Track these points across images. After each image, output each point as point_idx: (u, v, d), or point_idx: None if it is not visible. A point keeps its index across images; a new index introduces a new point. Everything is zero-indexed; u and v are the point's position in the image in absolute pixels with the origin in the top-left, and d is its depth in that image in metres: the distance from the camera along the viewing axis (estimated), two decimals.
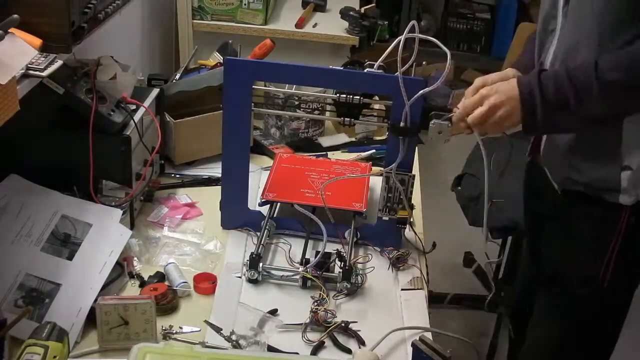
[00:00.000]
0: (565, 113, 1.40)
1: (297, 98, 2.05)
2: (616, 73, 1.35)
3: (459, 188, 2.61)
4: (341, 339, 1.48)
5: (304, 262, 1.63)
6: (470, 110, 1.47)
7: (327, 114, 1.93)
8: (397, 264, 1.72)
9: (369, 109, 1.77)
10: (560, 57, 1.48)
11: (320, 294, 1.57)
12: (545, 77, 1.41)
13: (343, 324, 1.49)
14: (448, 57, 1.53)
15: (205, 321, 1.48)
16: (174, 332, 1.45)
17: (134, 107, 1.73)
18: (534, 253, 1.84)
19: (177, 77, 2.16)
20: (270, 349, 1.42)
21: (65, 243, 1.53)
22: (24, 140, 1.61)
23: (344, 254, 1.64)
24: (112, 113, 1.63)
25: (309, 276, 1.60)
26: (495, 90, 1.45)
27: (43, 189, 1.60)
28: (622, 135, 1.46)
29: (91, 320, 1.42)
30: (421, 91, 1.54)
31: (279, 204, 1.83)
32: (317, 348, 1.45)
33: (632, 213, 1.51)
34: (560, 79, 1.40)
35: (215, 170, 2.00)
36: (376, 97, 1.69)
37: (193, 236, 1.77)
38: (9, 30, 1.22)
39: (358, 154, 2.22)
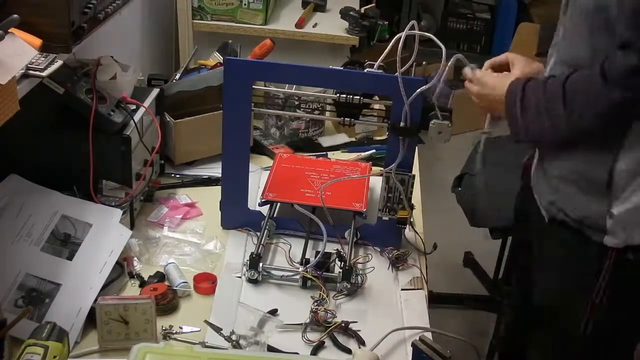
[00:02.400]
0: (542, 124, 1.40)
1: (297, 98, 2.05)
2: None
3: (459, 189, 2.61)
4: (341, 339, 1.48)
5: (304, 262, 1.63)
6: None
7: (327, 114, 1.93)
8: (397, 264, 1.72)
9: (369, 109, 1.77)
10: (559, 69, 1.46)
11: (320, 294, 1.57)
12: (529, 87, 1.42)
13: (343, 324, 1.49)
14: (443, 53, 1.52)
15: (205, 321, 1.48)
16: (174, 332, 1.45)
17: (134, 107, 1.73)
18: (521, 285, 1.81)
19: (177, 77, 2.16)
20: (270, 349, 1.42)
21: (65, 243, 1.53)
22: (24, 140, 1.61)
23: (344, 254, 1.64)
24: (112, 113, 1.63)
25: (309, 276, 1.60)
26: (488, 92, 1.51)
27: (43, 189, 1.60)
28: (613, 175, 1.40)
29: (91, 320, 1.42)
30: (419, 89, 1.54)
31: (279, 204, 1.83)
32: (317, 348, 1.45)
33: (617, 258, 1.44)
34: (538, 90, 1.39)
35: (215, 170, 1.99)
36: (376, 97, 1.69)
37: (193, 236, 1.77)
38: (9, 30, 1.22)
39: (358, 154, 2.22)
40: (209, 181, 2.01)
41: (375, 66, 1.63)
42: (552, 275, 1.62)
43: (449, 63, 1.55)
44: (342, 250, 1.66)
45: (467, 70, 1.60)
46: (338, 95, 1.65)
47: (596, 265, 1.46)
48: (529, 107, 1.42)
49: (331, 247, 1.68)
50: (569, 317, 1.56)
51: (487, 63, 1.61)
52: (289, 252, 1.67)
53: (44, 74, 1.34)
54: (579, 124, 1.36)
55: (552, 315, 1.63)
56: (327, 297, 1.56)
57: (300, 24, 2.74)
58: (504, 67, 1.59)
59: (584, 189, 1.45)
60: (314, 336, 1.47)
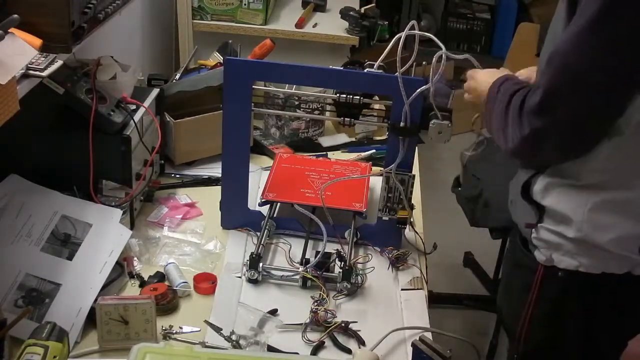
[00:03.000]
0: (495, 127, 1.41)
1: (297, 98, 2.05)
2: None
3: (459, 189, 2.61)
4: (341, 339, 1.48)
5: (304, 262, 1.63)
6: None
7: (327, 114, 1.94)
8: (397, 264, 1.72)
9: (369, 109, 1.77)
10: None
11: (320, 294, 1.57)
12: (503, 87, 1.42)
13: (343, 324, 1.49)
14: (443, 52, 1.52)
15: (205, 321, 1.48)
16: (174, 332, 1.45)
17: (134, 107, 1.73)
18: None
19: (177, 77, 2.16)
20: (270, 349, 1.42)
21: (65, 243, 1.53)
22: (24, 140, 1.61)
23: (344, 254, 1.64)
24: (112, 113, 1.63)
25: (309, 276, 1.60)
26: (475, 86, 1.53)
27: (43, 189, 1.60)
28: (532, 195, 1.42)
29: (91, 320, 1.42)
30: (420, 89, 1.54)
31: (279, 204, 1.83)
32: (317, 348, 1.45)
33: (545, 273, 1.44)
34: (505, 95, 1.39)
35: (215, 170, 2.00)
36: (376, 97, 1.69)
37: (193, 236, 1.77)
38: (9, 30, 1.22)
39: (358, 154, 2.22)
40: (209, 181, 2.01)
41: (375, 66, 1.63)
42: (503, 282, 1.67)
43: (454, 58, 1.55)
44: (342, 250, 1.66)
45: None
46: (338, 95, 1.65)
47: (530, 279, 1.46)
48: (496, 104, 1.42)
49: (331, 247, 1.68)
50: (513, 327, 1.56)
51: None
52: (289, 252, 1.67)
53: (44, 74, 1.34)
54: (508, 140, 1.36)
55: (503, 321, 1.66)
56: (327, 297, 1.56)
57: (300, 24, 2.74)
58: None
59: (520, 202, 1.47)
60: (314, 336, 1.47)
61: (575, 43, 1.23)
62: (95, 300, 1.42)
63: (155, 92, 1.89)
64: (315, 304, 1.53)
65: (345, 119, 1.67)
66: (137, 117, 1.71)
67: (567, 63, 1.25)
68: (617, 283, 1.41)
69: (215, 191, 1.81)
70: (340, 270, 1.60)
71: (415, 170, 1.75)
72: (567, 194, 1.38)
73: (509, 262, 1.65)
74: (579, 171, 1.35)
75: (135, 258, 1.65)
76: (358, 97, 1.63)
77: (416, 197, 1.89)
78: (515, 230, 1.55)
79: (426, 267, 1.75)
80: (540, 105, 1.28)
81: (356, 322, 1.51)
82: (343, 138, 2.33)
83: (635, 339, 1.56)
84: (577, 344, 1.50)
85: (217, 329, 1.45)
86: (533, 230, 1.44)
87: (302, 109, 2.12)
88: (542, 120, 1.28)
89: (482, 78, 1.52)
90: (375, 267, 1.68)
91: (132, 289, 1.57)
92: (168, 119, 2.00)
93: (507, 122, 1.35)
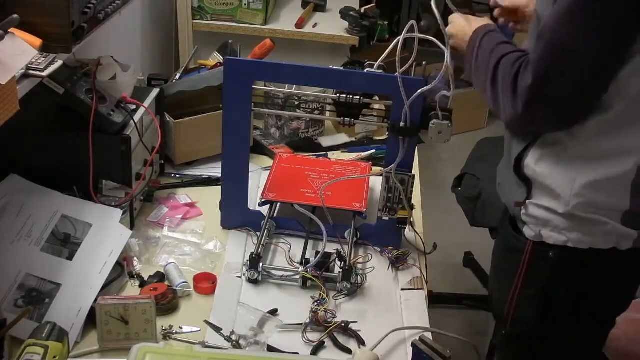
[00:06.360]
0: (481, 81, 1.45)
1: (297, 98, 2.05)
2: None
3: (459, 189, 2.61)
4: (341, 339, 1.48)
5: (304, 262, 1.63)
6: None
7: (327, 114, 1.94)
8: (397, 264, 1.72)
9: (369, 109, 1.77)
10: None
11: (320, 294, 1.57)
12: (484, 41, 1.47)
13: (343, 324, 1.49)
14: (446, 54, 1.52)
15: (205, 321, 1.48)
16: (174, 332, 1.45)
17: (134, 107, 1.73)
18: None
19: (177, 77, 2.16)
20: (270, 349, 1.42)
21: (65, 243, 1.53)
22: (24, 140, 1.61)
23: (344, 254, 1.64)
24: (112, 113, 1.63)
25: (309, 276, 1.60)
26: (456, 32, 1.57)
27: (43, 189, 1.60)
28: (523, 168, 1.45)
29: (91, 320, 1.42)
30: (420, 90, 1.55)
31: (278, 204, 1.83)
32: (317, 348, 1.45)
33: (533, 250, 1.47)
34: (486, 50, 1.44)
35: (215, 170, 2.00)
36: (376, 97, 1.69)
37: (193, 236, 1.77)
38: (9, 30, 1.22)
39: (358, 154, 2.22)
40: (209, 181, 2.01)
41: (375, 66, 1.63)
42: (492, 268, 1.69)
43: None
44: (342, 250, 1.66)
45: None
46: (338, 95, 1.65)
47: (519, 260, 1.49)
48: (479, 59, 1.47)
49: (331, 247, 1.68)
50: (500, 311, 1.59)
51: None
52: (289, 252, 1.67)
53: (44, 74, 1.35)
54: (499, 109, 1.40)
55: (492, 307, 1.68)
56: (327, 297, 1.56)
57: (300, 24, 2.74)
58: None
59: (510, 178, 1.50)
60: (314, 336, 1.47)
61: (566, 17, 1.27)
62: (95, 300, 1.42)
63: (155, 92, 1.89)
64: (315, 304, 1.53)
65: (345, 119, 1.67)
66: (137, 117, 1.71)
67: (559, 37, 1.28)
68: (605, 259, 1.44)
69: (215, 191, 1.81)
70: (340, 270, 1.60)
71: (415, 170, 1.75)
72: (557, 166, 1.40)
73: (499, 248, 1.67)
74: (569, 143, 1.38)
75: (135, 258, 1.65)
76: (358, 97, 1.63)
77: (416, 197, 1.89)
78: (504, 215, 1.58)
79: (426, 267, 1.75)
80: (533, 83, 1.30)
81: (356, 322, 1.51)
82: (343, 138, 2.33)
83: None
84: (565, 324, 1.52)
85: (217, 329, 1.45)
86: (522, 208, 1.46)
87: (302, 109, 2.12)
88: (535, 97, 1.32)
89: (461, 25, 1.57)
90: (375, 267, 1.68)
91: (132, 289, 1.57)
92: (168, 119, 2.00)
93: (497, 88, 1.39)
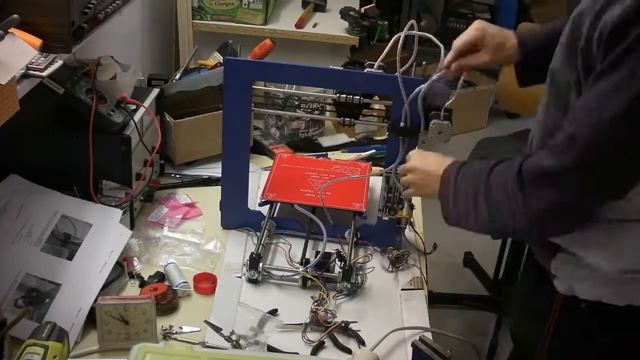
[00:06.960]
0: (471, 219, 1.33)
1: (297, 98, 2.05)
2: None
3: None
4: (341, 339, 1.48)
5: (304, 262, 1.63)
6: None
7: (327, 114, 1.94)
8: (397, 264, 1.72)
9: (369, 109, 1.77)
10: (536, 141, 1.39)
11: (320, 294, 1.57)
12: (460, 179, 1.36)
13: (343, 324, 1.49)
14: (442, 52, 1.52)
15: (205, 321, 1.48)
16: (174, 332, 1.45)
17: (134, 107, 1.73)
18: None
19: (177, 77, 2.16)
20: (270, 349, 1.42)
21: (65, 243, 1.53)
22: (24, 140, 1.61)
23: (344, 254, 1.64)
24: (112, 113, 1.63)
25: (309, 276, 1.60)
26: (420, 173, 1.49)
27: (43, 189, 1.60)
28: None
29: (91, 320, 1.42)
30: (418, 88, 1.54)
31: (279, 204, 1.83)
32: (317, 348, 1.45)
33: (564, 304, 1.36)
34: (468, 177, 1.34)
35: (215, 170, 2.00)
36: (376, 97, 1.69)
37: (193, 236, 1.77)
38: (9, 30, 1.22)
39: (358, 154, 2.22)
40: (209, 181, 2.01)
41: (375, 66, 1.63)
42: (519, 300, 1.63)
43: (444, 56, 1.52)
44: (342, 250, 1.66)
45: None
46: (338, 95, 1.65)
47: (547, 305, 1.39)
48: (461, 187, 1.35)
49: (331, 247, 1.68)
50: (526, 346, 1.52)
51: (455, 48, 1.52)
52: (289, 252, 1.67)
53: (44, 74, 1.35)
54: (504, 222, 1.27)
55: (515, 337, 1.64)
56: (327, 297, 1.56)
57: (300, 24, 2.74)
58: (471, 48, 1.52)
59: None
60: (314, 336, 1.47)
61: (604, 100, 1.12)
62: (95, 300, 1.42)
63: (155, 92, 1.89)
64: (315, 304, 1.53)
65: (345, 119, 1.67)
66: (137, 117, 1.71)
67: (599, 117, 1.12)
68: None
69: (215, 191, 1.81)
70: (340, 270, 1.60)
71: None
72: (587, 233, 1.28)
73: (524, 287, 1.59)
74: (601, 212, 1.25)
75: (135, 258, 1.65)
76: (358, 97, 1.63)
77: (416, 197, 1.89)
78: (529, 254, 1.50)
79: (426, 267, 1.75)
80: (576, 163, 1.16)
81: (356, 322, 1.51)
82: (343, 138, 2.33)
83: None
84: None
85: (217, 329, 1.45)
86: (553, 258, 1.36)
87: (302, 109, 2.12)
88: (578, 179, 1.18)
89: (428, 161, 1.48)
90: (375, 267, 1.69)
91: (132, 289, 1.57)
92: (168, 119, 2.00)
93: (494, 200, 1.27)
